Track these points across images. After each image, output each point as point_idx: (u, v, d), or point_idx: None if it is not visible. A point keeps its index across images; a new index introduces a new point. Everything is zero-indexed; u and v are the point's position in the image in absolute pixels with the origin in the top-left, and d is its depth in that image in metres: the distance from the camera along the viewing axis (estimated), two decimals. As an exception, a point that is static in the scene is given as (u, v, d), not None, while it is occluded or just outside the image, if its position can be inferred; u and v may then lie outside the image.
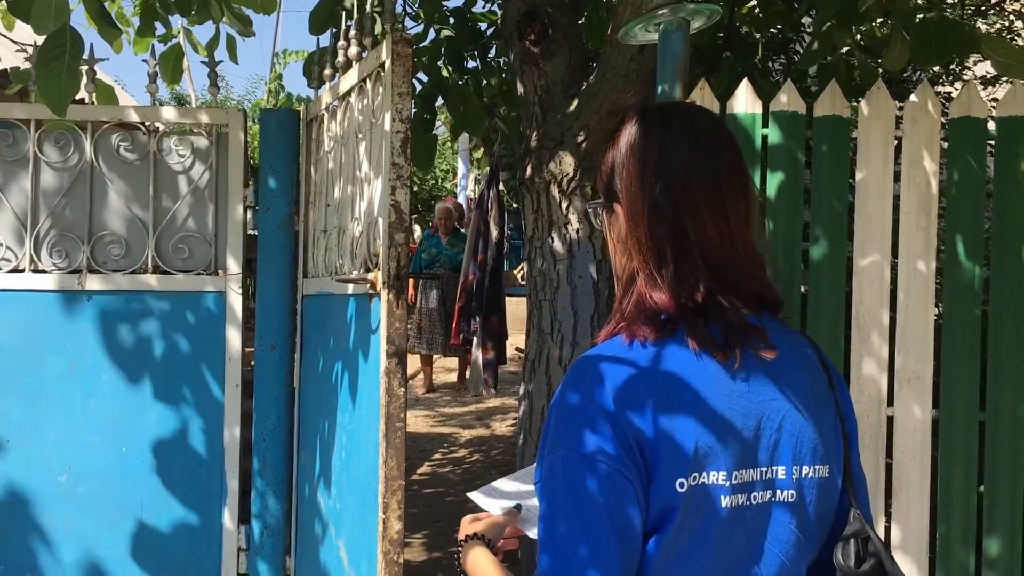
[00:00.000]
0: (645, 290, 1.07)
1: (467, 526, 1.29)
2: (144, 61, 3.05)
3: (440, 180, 17.95)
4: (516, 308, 7.56)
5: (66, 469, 2.89)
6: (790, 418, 1.06)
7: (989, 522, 2.56)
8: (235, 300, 2.95)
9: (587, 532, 0.96)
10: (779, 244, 2.57)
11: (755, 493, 1.03)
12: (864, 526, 1.11)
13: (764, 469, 1.04)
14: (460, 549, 1.26)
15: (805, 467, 1.06)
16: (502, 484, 1.46)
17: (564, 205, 3.19)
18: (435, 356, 8.37)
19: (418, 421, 7.24)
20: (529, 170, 3.27)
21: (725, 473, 1.01)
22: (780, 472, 1.05)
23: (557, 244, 3.21)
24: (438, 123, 7.05)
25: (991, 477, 2.56)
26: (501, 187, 7.01)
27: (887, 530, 2.59)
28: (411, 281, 7.82)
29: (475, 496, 1.43)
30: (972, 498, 2.56)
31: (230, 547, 2.96)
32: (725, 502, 1.01)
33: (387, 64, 2.23)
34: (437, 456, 6.22)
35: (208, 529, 2.95)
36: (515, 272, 12.10)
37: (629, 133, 1.12)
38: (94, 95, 2.99)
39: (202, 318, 2.95)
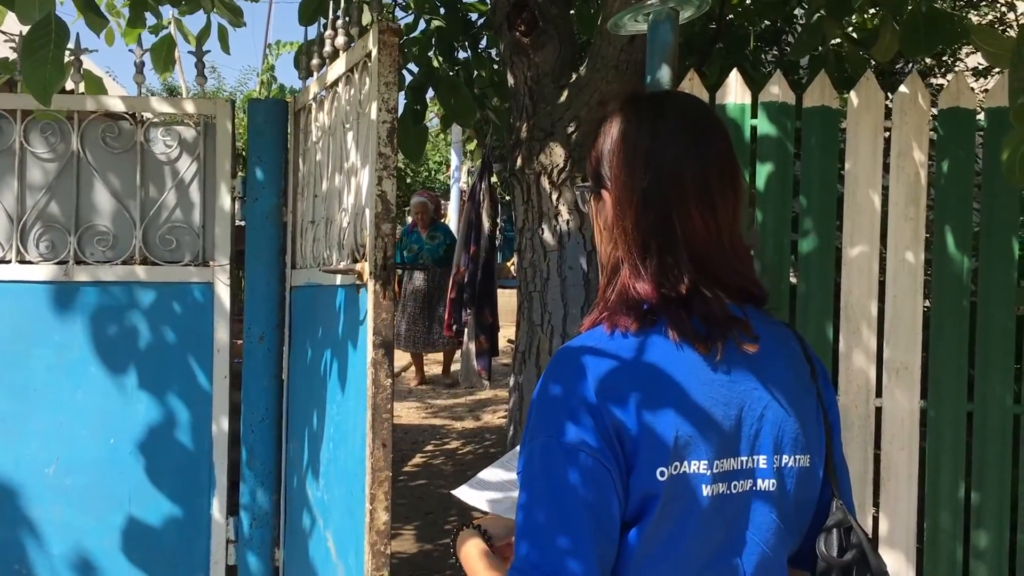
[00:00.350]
0: (629, 280, 1.06)
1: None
2: (131, 51, 3.03)
3: (433, 172, 17.93)
4: (508, 300, 7.54)
5: (54, 461, 2.88)
6: (771, 408, 1.06)
7: (977, 513, 2.57)
8: (223, 291, 2.94)
9: (566, 521, 0.96)
10: (768, 235, 2.57)
11: (736, 482, 1.03)
12: (847, 516, 1.11)
13: (745, 458, 1.04)
14: (456, 537, 1.26)
15: (786, 456, 1.06)
16: (486, 474, 1.45)
17: (554, 196, 3.19)
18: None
19: (410, 413, 7.24)
20: (519, 161, 3.27)
21: (706, 462, 1.01)
22: (761, 461, 1.05)
23: (547, 235, 3.20)
24: (431, 114, 7.02)
25: (979, 468, 2.57)
26: (494, 179, 7.00)
27: (875, 521, 2.59)
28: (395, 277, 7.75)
29: (461, 493, 1.42)
30: (960, 489, 2.57)
31: (219, 539, 2.95)
32: (706, 491, 1.01)
33: (373, 53, 2.22)
34: (429, 448, 6.22)
35: (197, 521, 2.94)
36: (508, 264, 12.09)
37: (621, 120, 1.11)
38: (82, 85, 2.97)
39: (190, 309, 2.94)
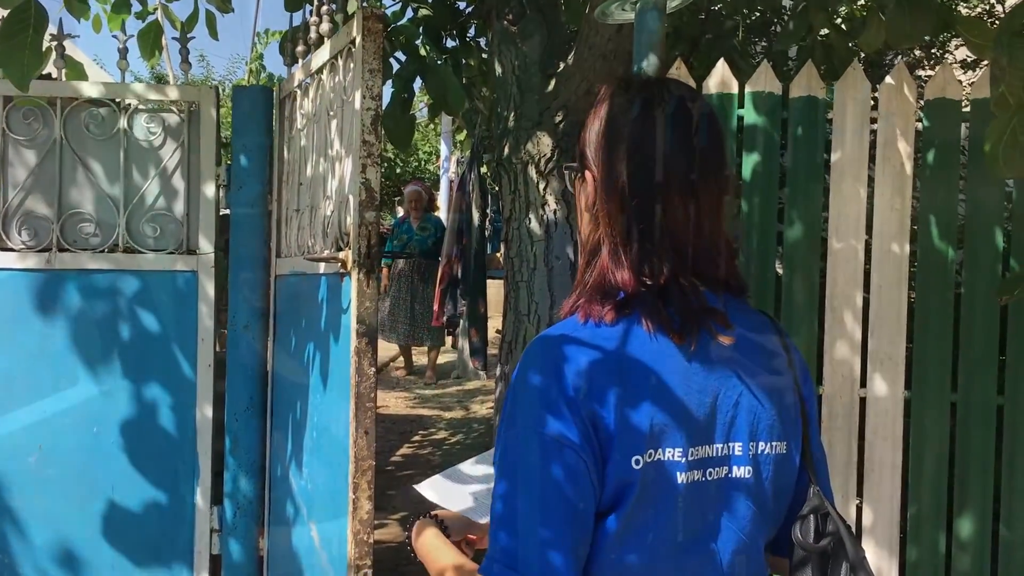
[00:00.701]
0: (608, 264, 1.06)
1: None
2: (114, 37, 3.00)
3: (423, 162, 17.88)
4: (496, 291, 7.53)
5: (36, 450, 2.86)
6: (746, 396, 1.05)
7: (960, 503, 2.58)
8: (207, 280, 2.92)
9: (545, 514, 0.96)
10: (754, 225, 2.56)
11: (711, 469, 1.03)
12: (823, 502, 1.10)
13: (720, 446, 1.03)
14: (411, 526, 1.25)
15: (762, 443, 1.06)
16: (467, 468, 1.44)
17: (542, 186, 3.17)
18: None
19: (398, 403, 7.23)
20: (506, 151, 3.25)
21: (681, 450, 1.00)
22: (736, 448, 1.04)
23: (534, 225, 3.19)
24: (420, 104, 6.98)
25: (962, 458, 2.58)
26: (484, 169, 6.97)
27: (859, 510, 2.60)
28: (384, 271, 7.70)
29: (427, 488, 1.38)
30: (943, 479, 2.58)
31: (203, 527, 2.94)
32: (681, 478, 1.00)
33: (358, 40, 2.20)
34: (416, 438, 6.22)
35: (180, 509, 2.93)
36: (498, 255, 12.07)
37: (612, 103, 1.10)
38: (63, 71, 2.94)
39: (174, 298, 2.92)
